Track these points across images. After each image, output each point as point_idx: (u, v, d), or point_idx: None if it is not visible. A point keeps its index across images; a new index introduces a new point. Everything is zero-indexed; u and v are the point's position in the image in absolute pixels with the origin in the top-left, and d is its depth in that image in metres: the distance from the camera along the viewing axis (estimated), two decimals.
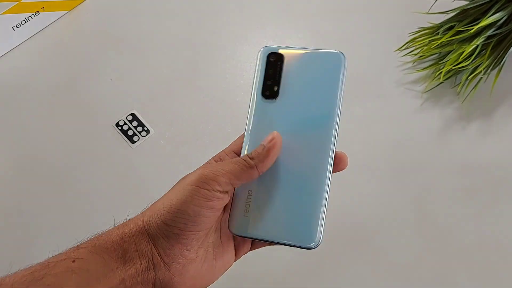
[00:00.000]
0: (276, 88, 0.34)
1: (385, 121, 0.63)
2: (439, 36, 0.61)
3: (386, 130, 0.63)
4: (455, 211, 0.57)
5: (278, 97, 0.34)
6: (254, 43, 0.71)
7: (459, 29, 0.58)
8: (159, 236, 0.30)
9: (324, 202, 0.32)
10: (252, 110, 0.35)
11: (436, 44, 0.61)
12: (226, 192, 0.31)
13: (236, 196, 0.34)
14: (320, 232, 0.32)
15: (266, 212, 0.33)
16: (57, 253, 0.29)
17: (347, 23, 0.72)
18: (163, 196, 0.32)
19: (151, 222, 0.30)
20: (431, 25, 0.64)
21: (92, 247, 0.29)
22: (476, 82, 0.61)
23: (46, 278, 0.27)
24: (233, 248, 0.35)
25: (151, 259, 0.30)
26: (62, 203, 0.59)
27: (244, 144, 0.34)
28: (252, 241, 0.36)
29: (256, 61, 0.36)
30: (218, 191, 0.30)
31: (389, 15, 0.73)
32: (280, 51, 0.35)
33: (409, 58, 0.67)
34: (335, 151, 0.34)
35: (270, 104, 0.34)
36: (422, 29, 0.65)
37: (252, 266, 0.53)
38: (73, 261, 0.28)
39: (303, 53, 0.35)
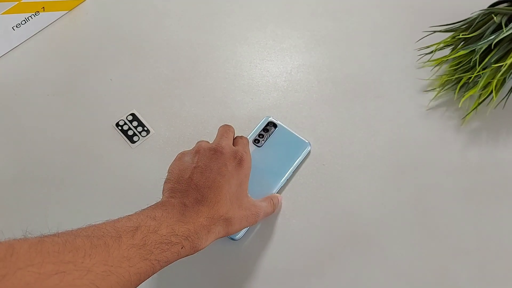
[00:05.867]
0: (262, 142, 0.59)
1: (385, 121, 0.63)
2: (467, 56, 0.60)
3: (386, 130, 0.63)
4: (455, 211, 0.57)
5: (261, 146, 0.59)
6: (254, 43, 0.71)
7: (497, 64, 0.57)
8: None
9: None
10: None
11: (469, 71, 0.60)
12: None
13: None
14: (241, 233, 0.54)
15: None
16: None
17: (347, 23, 0.72)
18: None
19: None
20: (451, 36, 0.63)
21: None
22: (483, 98, 0.61)
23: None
24: None
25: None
26: (62, 203, 0.59)
27: None
28: None
29: (261, 120, 0.61)
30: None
31: (392, 15, 0.73)
32: (277, 123, 0.60)
33: (414, 58, 0.67)
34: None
35: (255, 147, 0.59)
36: (445, 41, 0.64)
37: (253, 266, 0.54)
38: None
39: (288, 132, 0.60)
